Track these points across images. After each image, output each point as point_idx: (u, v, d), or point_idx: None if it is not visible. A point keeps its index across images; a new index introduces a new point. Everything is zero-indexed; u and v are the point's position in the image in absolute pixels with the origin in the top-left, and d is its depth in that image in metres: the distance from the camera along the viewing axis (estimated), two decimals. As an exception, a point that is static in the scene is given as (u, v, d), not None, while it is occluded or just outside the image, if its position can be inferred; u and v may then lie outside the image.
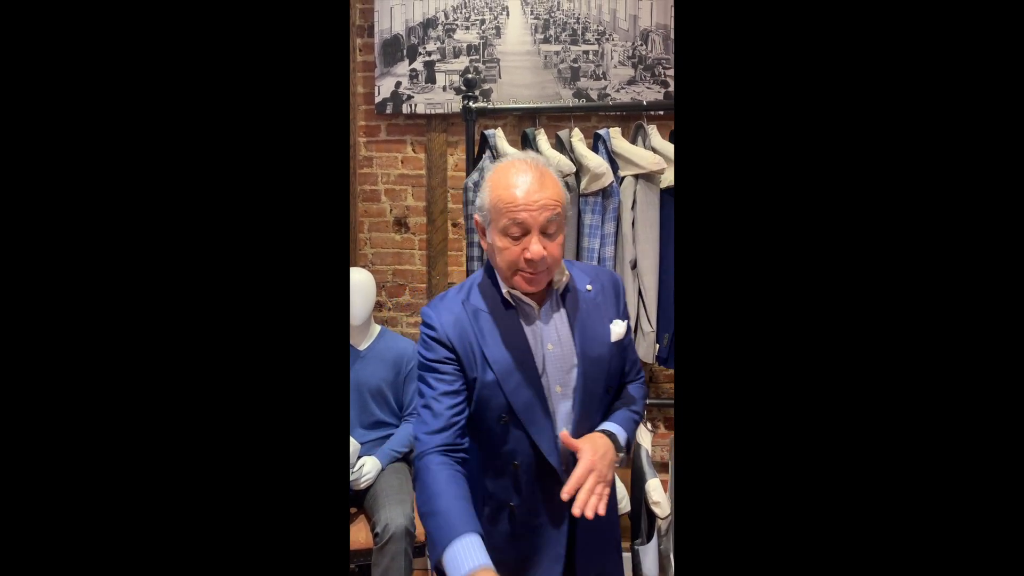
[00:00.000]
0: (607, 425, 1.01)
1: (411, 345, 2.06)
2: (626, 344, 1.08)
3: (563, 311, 1.01)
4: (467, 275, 1.81)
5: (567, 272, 1.02)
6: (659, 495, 1.68)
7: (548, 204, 0.93)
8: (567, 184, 1.73)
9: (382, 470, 1.87)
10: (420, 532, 1.87)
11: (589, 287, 1.04)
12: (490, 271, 1.03)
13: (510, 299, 0.99)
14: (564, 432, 0.96)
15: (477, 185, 1.74)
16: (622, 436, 1.00)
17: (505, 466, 0.99)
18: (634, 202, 1.72)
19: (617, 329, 1.03)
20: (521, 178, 0.94)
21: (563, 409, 1.00)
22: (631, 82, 2.06)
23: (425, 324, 1.01)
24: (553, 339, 1.00)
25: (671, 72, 2.06)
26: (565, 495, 0.87)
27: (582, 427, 0.99)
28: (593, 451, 0.91)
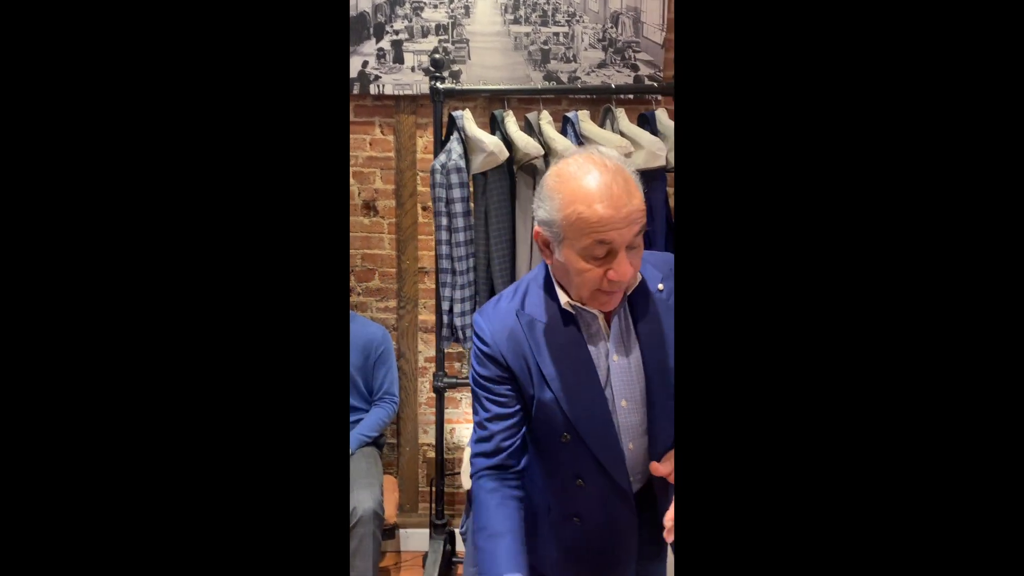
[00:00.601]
0: None
1: (380, 330, 2.05)
2: None
3: (630, 317, 0.90)
4: (436, 260, 1.80)
5: (638, 274, 0.90)
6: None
7: (637, 217, 0.79)
8: (535, 167, 1.73)
9: (351, 454, 1.87)
10: (389, 514, 1.88)
11: (661, 286, 0.91)
12: (547, 275, 0.91)
13: (571, 309, 0.89)
14: (654, 463, 0.89)
15: (444, 167, 1.72)
16: None
17: (569, 483, 0.94)
18: (602, 186, 1.73)
19: None
20: (604, 190, 0.78)
21: (631, 424, 0.91)
22: (601, 65, 2.06)
23: (477, 336, 0.92)
24: (619, 350, 0.89)
25: (641, 55, 2.06)
26: (668, 535, 0.82)
27: (655, 443, 0.92)
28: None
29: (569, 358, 0.88)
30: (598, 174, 0.79)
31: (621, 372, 0.90)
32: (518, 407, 0.91)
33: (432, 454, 2.15)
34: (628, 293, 0.89)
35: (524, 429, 0.93)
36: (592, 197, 0.78)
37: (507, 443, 0.91)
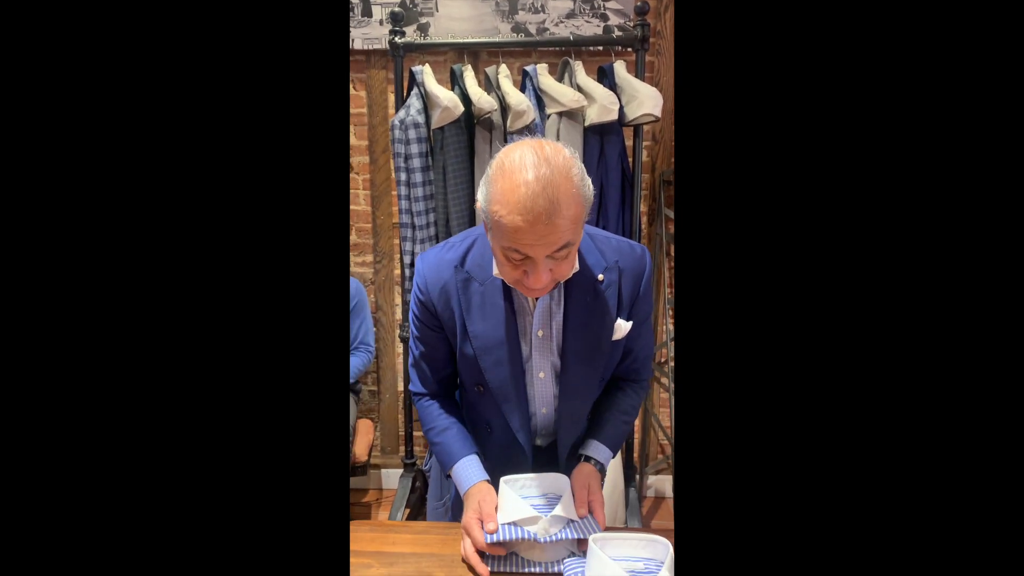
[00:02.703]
0: (594, 450, 0.98)
1: (354, 283, 2.13)
2: (635, 336, 0.97)
3: (562, 299, 0.90)
4: (398, 214, 1.86)
5: (576, 263, 0.88)
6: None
7: (558, 237, 0.75)
8: (492, 122, 1.74)
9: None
10: (360, 453, 2.02)
11: (602, 276, 0.91)
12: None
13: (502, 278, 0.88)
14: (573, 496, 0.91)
15: (403, 123, 1.75)
16: (607, 460, 0.99)
17: (478, 423, 1.03)
18: (558, 139, 1.73)
19: (620, 330, 0.93)
20: (529, 202, 0.72)
21: (546, 393, 0.97)
22: (570, 15, 2.02)
23: (416, 281, 0.95)
24: (545, 327, 0.91)
25: (610, 4, 2.01)
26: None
27: (563, 412, 0.98)
28: (583, 486, 0.92)
29: (493, 322, 0.90)
30: (529, 180, 0.72)
31: (543, 347, 0.93)
32: (447, 350, 0.98)
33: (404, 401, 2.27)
34: (562, 280, 0.87)
35: (452, 368, 1.01)
36: (513, 206, 0.73)
37: (443, 374, 1.01)
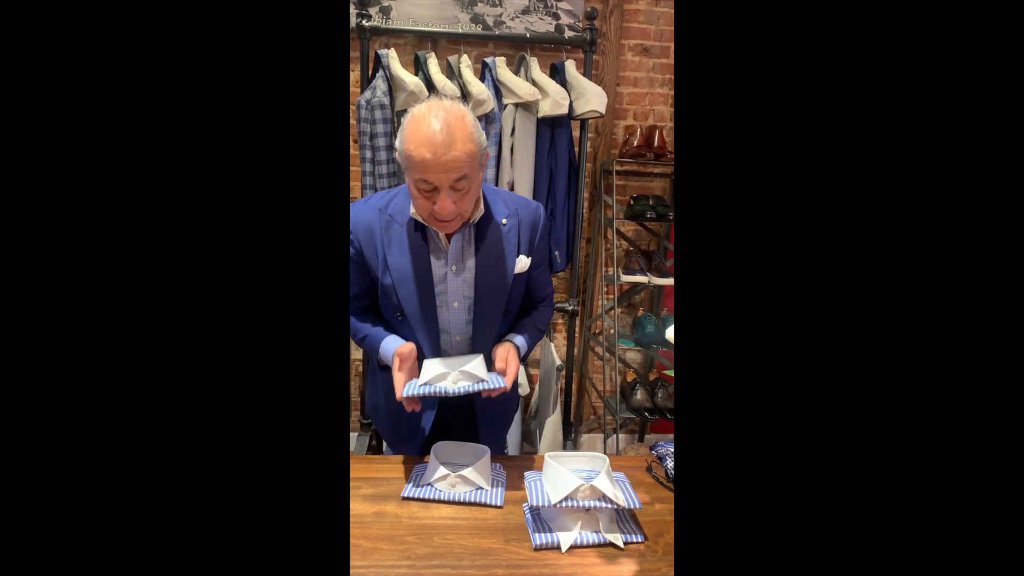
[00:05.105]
0: (515, 337, 1.16)
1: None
2: (534, 273, 1.16)
3: (472, 240, 1.08)
4: (361, 191, 1.96)
5: (483, 208, 1.08)
6: (522, 378, 2.02)
7: (456, 165, 0.93)
8: (453, 108, 1.88)
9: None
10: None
11: (505, 221, 1.10)
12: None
13: (418, 219, 1.06)
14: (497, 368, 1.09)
15: (369, 103, 1.85)
16: (524, 348, 1.17)
17: None
18: (513, 129, 1.91)
19: (520, 264, 1.13)
20: (431, 136, 0.92)
21: (459, 320, 1.13)
22: (525, 11, 2.18)
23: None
24: (457, 263, 1.09)
25: (563, 4, 2.18)
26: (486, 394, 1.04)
27: (476, 337, 1.14)
28: (506, 357, 1.11)
29: (410, 256, 1.08)
30: (432, 121, 0.92)
31: (455, 281, 1.11)
32: (368, 284, 1.15)
33: (363, 368, 2.39)
34: (473, 222, 1.08)
35: (370, 300, 1.17)
36: (419, 140, 0.93)
37: (363, 302, 1.18)
